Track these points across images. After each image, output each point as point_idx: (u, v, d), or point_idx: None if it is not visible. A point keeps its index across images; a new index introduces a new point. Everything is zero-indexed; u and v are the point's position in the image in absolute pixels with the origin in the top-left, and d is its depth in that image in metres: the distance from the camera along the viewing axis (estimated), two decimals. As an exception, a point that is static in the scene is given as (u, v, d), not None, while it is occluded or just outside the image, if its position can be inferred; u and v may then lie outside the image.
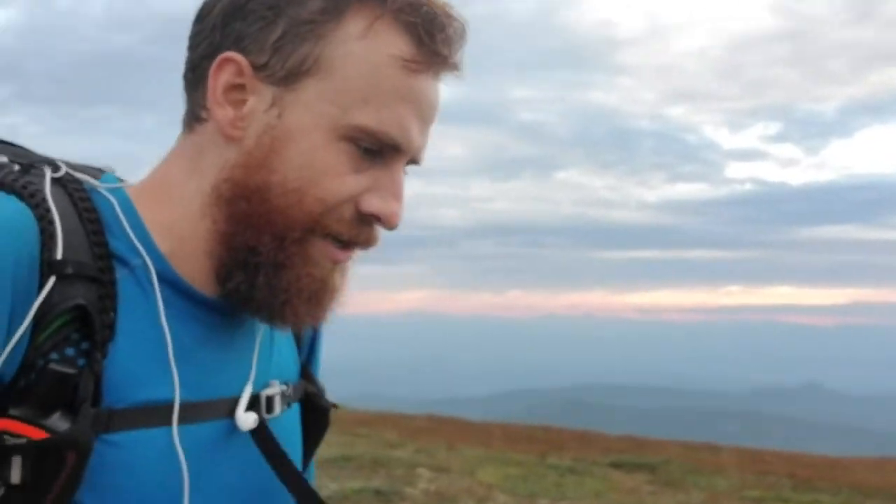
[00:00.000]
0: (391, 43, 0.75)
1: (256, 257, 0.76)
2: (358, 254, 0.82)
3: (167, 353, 0.75)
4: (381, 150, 0.77)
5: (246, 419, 0.81)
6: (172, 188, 0.80)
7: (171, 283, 0.78)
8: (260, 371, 0.85)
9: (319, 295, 0.79)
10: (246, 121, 0.76)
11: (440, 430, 13.48)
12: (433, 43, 0.76)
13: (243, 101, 0.76)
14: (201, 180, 0.78)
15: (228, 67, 0.76)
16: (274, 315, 0.79)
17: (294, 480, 0.83)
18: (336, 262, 0.79)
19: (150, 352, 0.75)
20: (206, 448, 0.78)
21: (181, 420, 0.74)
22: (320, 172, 0.75)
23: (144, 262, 0.77)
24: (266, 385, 0.85)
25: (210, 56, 0.76)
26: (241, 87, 0.76)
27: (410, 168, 0.82)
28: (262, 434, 0.82)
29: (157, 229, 0.78)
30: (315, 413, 0.92)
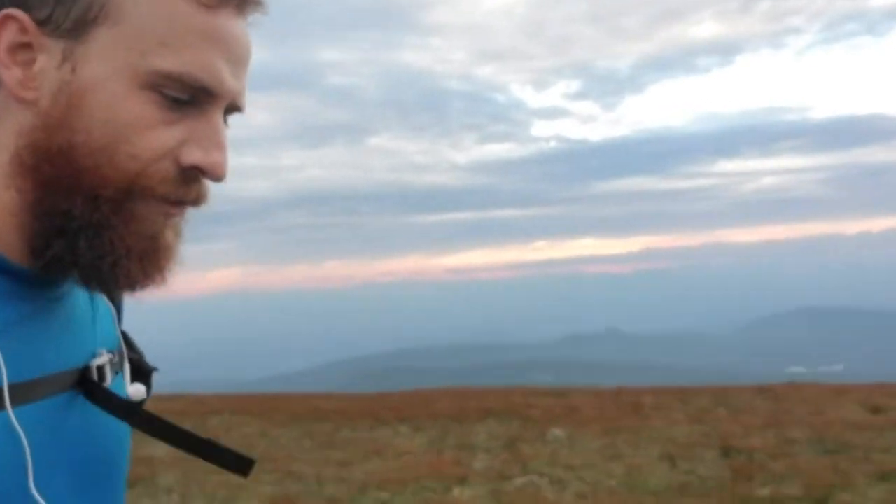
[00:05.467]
0: None
1: (72, 222, 0.70)
2: (189, 212, 0.77)
3: None
4: (194, 98, 0.71)
5: (136, 390, 0.82)
6: None
7: None
8: (87, 341, 0.82)
9: (151, 253, 0.74)
10: (37, 80, 0.70)
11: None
12: None
13: (33, 61, 0.70)
14: (0, 150, 0.72)
15: (10, 26, 0.70)
16: (105, 279, 0.73)
17: (157, 425, 0.80)
18: (168, 217, 0.74)
19: None
20: (46, 425, 0.73)
21: (17, 401, 0.69)
22: (126, 126, 0.69)
23: None
24: (95, 355, 0.82)
25: None
26: (27, 46, 0.70)
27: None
28: (103, 396, 0.79)
29: None
30: (138, 377, 0.89)
